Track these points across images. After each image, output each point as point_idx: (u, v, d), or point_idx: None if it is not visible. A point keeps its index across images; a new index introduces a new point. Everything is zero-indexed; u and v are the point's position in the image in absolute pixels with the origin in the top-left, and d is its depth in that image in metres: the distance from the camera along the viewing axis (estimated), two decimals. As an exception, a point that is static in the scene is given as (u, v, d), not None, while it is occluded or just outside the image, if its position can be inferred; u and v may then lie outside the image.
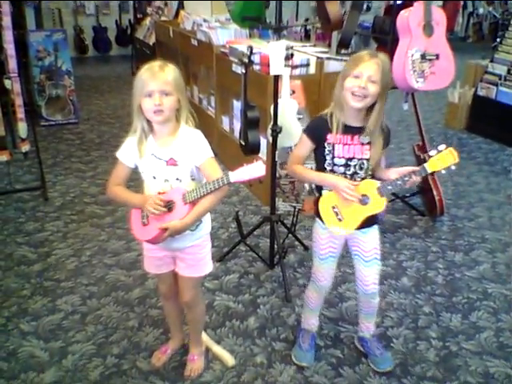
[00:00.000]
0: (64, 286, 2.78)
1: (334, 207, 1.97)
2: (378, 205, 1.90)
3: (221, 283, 2.82)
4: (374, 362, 2.25)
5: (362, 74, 1.79)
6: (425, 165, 1.80)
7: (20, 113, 3.52)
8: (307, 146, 2.00)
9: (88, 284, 2.80)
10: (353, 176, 1.94)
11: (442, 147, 1.77)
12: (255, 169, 1.63)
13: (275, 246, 2.92)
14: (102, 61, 9.65)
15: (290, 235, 3.11)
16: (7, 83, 3.42)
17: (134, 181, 1.98)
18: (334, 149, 1.92)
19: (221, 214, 3.56)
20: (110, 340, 2.38)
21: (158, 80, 1.69)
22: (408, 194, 3.72)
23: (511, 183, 4.24)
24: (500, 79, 5.19)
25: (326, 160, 1.95)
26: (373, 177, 1.97)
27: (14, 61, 3.39)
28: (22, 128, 3.57)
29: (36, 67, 5.32)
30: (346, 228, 1.97)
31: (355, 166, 1.93)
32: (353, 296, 2.70)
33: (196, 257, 1.97)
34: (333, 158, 1.93)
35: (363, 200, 1.90)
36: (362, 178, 1.94)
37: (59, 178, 4.21)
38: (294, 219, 3.09)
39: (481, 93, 5.38)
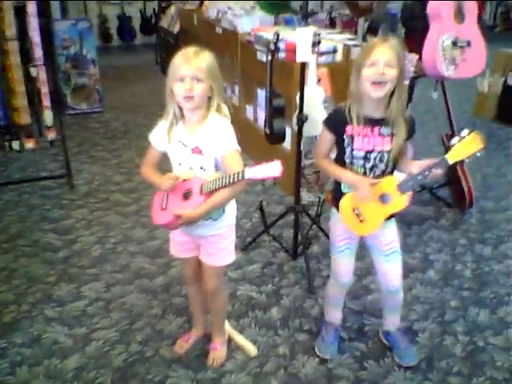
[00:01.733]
0: (89, 272, 2.80)
1: (354, 209, 1.92)
2: (400, 203, 1.85)
3: (244, 273, 2.81)
4: (399, 355, 2.20)
5: (378, 60, 1.73)
6: (445, 156, 1.72)
7: (46, 101, 3.55)
8: (328, 137, 1.97)
9: (112, 271, 2.82)
10: (372, 169, 1.89)
11: (464, 133, 1.69)
12: (272, 168, 1.60)
13: (299, 237, 2.89)
14: (126, 50, 9.69)
15: (314, 226, 3.07)
16: (33, 71, 3.45)
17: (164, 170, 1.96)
18: (352, 141, 1.88)
19: (244, 204, 3.54)
20: (134, 327, 2.39)
21: (190, 65, 1.68)
22: (435, 186, 3.63)
23: (543, 175, 4.12)
24: (531, 68, 5.04)
25: (345, 152, 1.91)
26: (394, 169, 1.92)
27: (39, 49, 3.41)
28: (48, 116, 3.60)
29: (61, 56, 5.37)
30: (368, 230, 1.94)
31: (375, 158, 1.88)
32: (377, 288, 2.65)
33: (218, 246, 1.96)
34: (352, 150, 1.89)
35: (384, 199, 1.85)
36: (383, 171, 1.89)
37: (84, 165, 4.25)
38: (319, 210, 3.05)
39: (511, 82, 5.22)
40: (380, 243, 2.02)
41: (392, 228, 2.02)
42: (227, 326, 2.33)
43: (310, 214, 3.02)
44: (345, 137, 1.89)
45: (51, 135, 3.68)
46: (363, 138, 1.86)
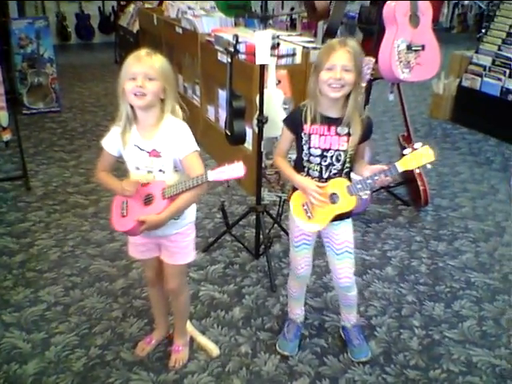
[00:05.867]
0: (46, 276, 2.74)
1: (303, 205, 1.98)
2: (348, 204, 1.90)
3: (206, 273, 2.81)
4: (351, 351, 2.25)
5: (336, 66, 1.78)
6: (396, 163, 1.78)
7: (1, 101, 3.46)
8: (287, 136, 2.02)
9: (71, 275, 2.77)
10: (328, 167, 1.94)
11: (418, 145, 1.75)
12: (235, 169, 1.64)
13: (261, 236, 2.92)
14: (84, 48, 9.49)
15: (275, 225, 3.10)
16: (-12, 71, 3.36)
17: (118, 170, 1.95)
18: (310, 139, 1.93)
19: (206, 205, 3.54)
20: (94, 331, 2.36)
21: (142, 64, 1.69)
22: (393, 184, 3.73)
23: (494, 173, 4.28)
24: (485, 70, 5.21)
25: (303, 150, 1.96)
26: (351, 170, 1.97)
27: (-5, 48, 3.33)
28: (3, 116, 3.51)
29: (18, 55, 5.21)
30: (314, 226, 1.99)
31: (331, 157, 1.92)
32: (337, 286, 2.72)
33: (180, 245, 1.96)
34: (309, 148, 1.94)
35: (332, 199, 1.91)
36: (339, 170, 1.94)
37: (41, 167, 4.15)
38: (280, 209, 3.08)
39: (465, 84, 5.40)
40: (334, 242, 2.06)
41: (345, 228, 2.06)
42: (189, 326, 2.33)
43: (272, 214, 3.05)
44: (302, 135, 1.94)
45: (7, 136, 3.59)
46: (320, 136, 1.91)
